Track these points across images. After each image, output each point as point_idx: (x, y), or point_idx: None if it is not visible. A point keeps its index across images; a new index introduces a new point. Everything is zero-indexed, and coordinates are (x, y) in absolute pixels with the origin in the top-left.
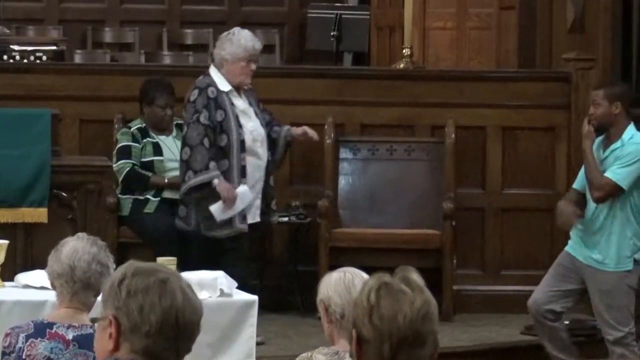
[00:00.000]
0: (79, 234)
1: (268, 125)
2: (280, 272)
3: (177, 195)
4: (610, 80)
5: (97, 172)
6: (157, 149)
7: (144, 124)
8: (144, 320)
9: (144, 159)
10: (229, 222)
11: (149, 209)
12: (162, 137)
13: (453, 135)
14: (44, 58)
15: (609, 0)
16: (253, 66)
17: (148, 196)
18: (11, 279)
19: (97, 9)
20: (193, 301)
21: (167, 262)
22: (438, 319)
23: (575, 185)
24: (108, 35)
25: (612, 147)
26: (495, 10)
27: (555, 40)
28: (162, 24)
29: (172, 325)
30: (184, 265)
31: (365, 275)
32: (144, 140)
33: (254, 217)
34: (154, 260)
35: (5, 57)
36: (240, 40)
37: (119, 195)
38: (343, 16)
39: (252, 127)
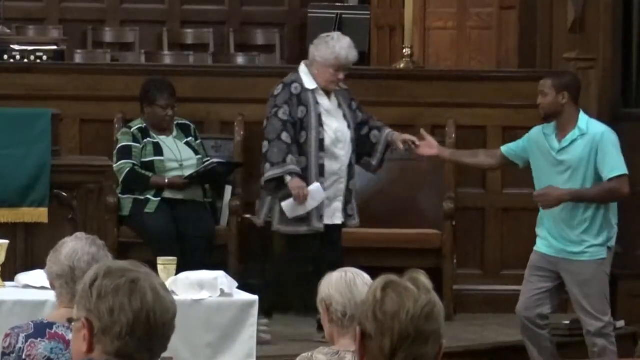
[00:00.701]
0: (78, 233)
1: (362, 126)
2: (280, 272)
3: (177, 196)
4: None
5: (97, 172)
6: (158, 149)
7: (144, 124)
8: (115, 321)
9: (144, 159)
10: (306, 219)
11: (150, 209)
12: (163, 137)
13: (453, 135)
14: (45, 58)
15: (609, 0)
16: (341, 75)
17: (148, 196)
18: (11, 279)
19: (98, 9)
20: (165, 300)
21: (168, 262)
22: (444, 321)
23: (503, 149)
24: (108, 35)
25: (571, 136)
26: (496, 10)
27: (555, 40)
28: (163, 24)
29: (143, 325)
30: (184, 265)
31: (366, 276)
32: (145, 141)
33: (331, 219)
34: (155, 260)
35: (5, 56)
36: (335, 47)
37: (120, 195)
38: (343, 16)
39: (336, 127)
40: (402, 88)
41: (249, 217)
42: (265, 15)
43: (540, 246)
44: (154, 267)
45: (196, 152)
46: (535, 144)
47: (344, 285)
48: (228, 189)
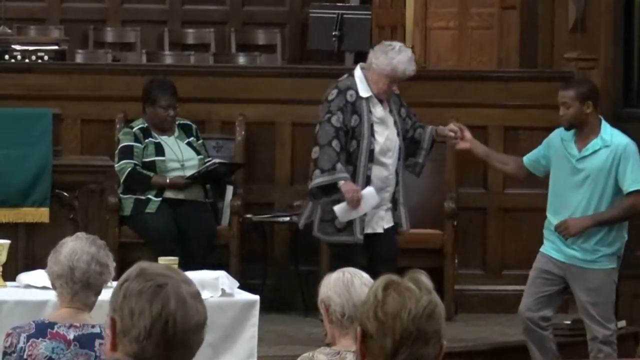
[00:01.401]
0: (78, 233)
1: (410, 130)
2: (281, 272)
3: (178, 196)
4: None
5: (98, 172)
6: (159, 149)
7: (146, 124)
8: (134, 324)
9: (145, 159)
10: (348, 229)
11: (151, 208)
12: (164, 137)
13: None
14: (46, 58)
15: (610, 0)
16: (395, 88)
17: (149, 196)
18: (13, 279)
19: (99, 9)
20: (190, 309)
21: (169, 262)
22: (444, 321)
23: (525, 160)
24: (109, 35)
25: (593, 145)
26: (497, 10)
27: (556, 40)
28: (164, 24)
29: (161, 332)
30: (185, 265)
31: (364, 275)
32: (146, 141)
33: (374, 227)
34: (156, 260)
35: (7, 56)
36: (394, 59)
37: (121, 195)
38: (344, 16)
39: (386, 135)
40: (402, 88)
41: (249, 216)
42: (266, 15)
43: (549, 249)
44: None
45: (198, 153)
46: (555, 149)
47: (342, 285)
48: (229, 189)
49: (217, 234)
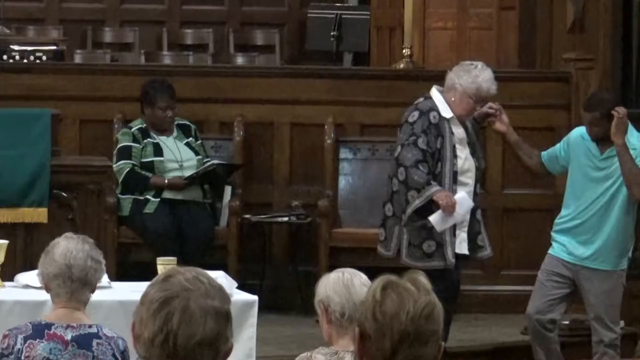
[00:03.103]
0: (67, 234)
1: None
2: (280, 272)
3: (177, 196)
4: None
5: (97, 172)
6: (158, 150)
7: (144, 125)
8: (142, 332)
9: (144, 160)
10: (439, 252)
11: (149, 209)
12: (163, 138)
13: None
14: (44, 58)
15: (609, 0)
16: (478, 107)
17: (148, 196)
18: (11, 279)
19: (97, 9)
20: (195, 326)
21: (167, 262)
22: (443, 322)
23: (543, 156)
24: (108, 35)
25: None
26: (495, 10)
27: (555, 41)
28: (162, 24)
29: (160, 345)
30: (184, 266)
31: (363, 276)
32: (145, 141)
33: (460, 249)
34: (155, 260)
35: (5, 57)
36: (479, 78)
37: (119, 196)
38: (343, 16)
39: (465, 156)
40: (401, 88)
41: (248, 217)
42: (264, 16)
43: (558, 251)
44: (153, 267)
45: (196, 153)
46: (575, 147)
47: (341, 285)
48: (228, 190)
49: (216, 234)
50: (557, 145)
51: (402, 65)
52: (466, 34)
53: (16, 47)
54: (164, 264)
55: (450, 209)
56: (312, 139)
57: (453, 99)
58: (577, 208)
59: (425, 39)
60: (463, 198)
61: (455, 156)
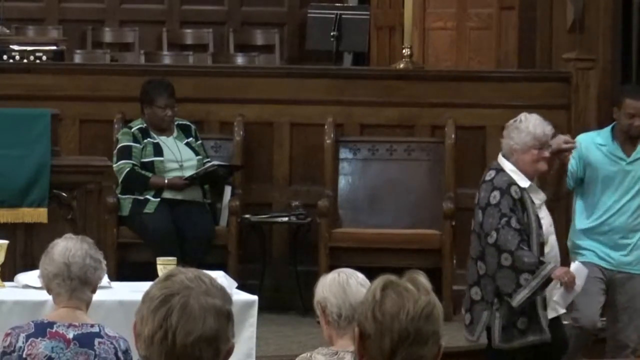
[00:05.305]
0: (66, 234)
1: None
2: (280, 272)
3: (177, 196)
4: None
5: (96, 172)
6: (158, 150)
7: (144, 124)
8: (142, 330)
9: (144, 159)
10: (533, 327)
11: (149, 209)
12: (163, 138)
13: (453, 136)
14: (44, 58)
15: (609, 0)
16: (546, 153)
17: (148, 196)
18: (11, 279)
19: (97, 9)
20: (195, 323)
21: (167, 262)
22: (443, 322)
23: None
24: (108, 35)
25: None
26: (495, 10)
27: (555, 41)
28: (162, 24)
29: (160, 342)
30: (183, 266)
31: (360, 275)
32: (145, 141)
33: (556, 310)
34: (154, 260)
35: (5, 57)
36: (529, 127)
37: (119, 196)
38: (343, 16)
39: (548, 222)
40: (401, 88)
41: (248, 217)
42: (264, 16)
43: (592, 258)
44: (153, 267)
45: (196, 153)
46: (592, 155)
47: (337, 286)
48: (227, 190)
49: (216, 235)
50: (570, 163)
51: (402, 65)
52: (466, 33)
53: (16, 47)
54: (164, 264)
55: (572, 284)
56: (312, 139)
57: (520, 161)
58: (605, 214)
59: (425, 39)
60: (579, 268)
61: (540, 227)
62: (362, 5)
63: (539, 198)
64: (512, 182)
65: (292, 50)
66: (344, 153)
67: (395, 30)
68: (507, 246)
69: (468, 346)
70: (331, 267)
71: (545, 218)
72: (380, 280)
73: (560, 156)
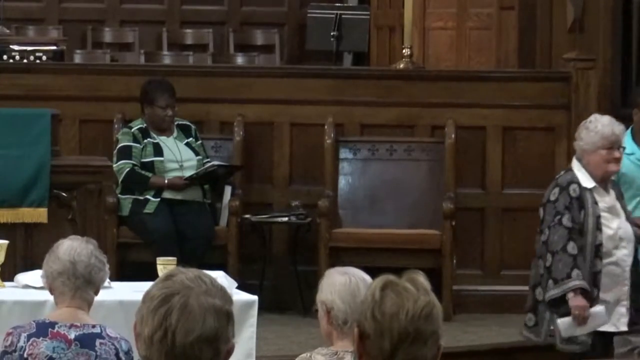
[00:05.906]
0: (71, 236)
1: None
2: (280, 272)
3: (177, 196)
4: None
5: (96, 172)
6: (158, 150)
7: (144, 124)
8: (142, 329)
9: (144, 159)
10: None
11: (149, 209)
12: (163, 138)
13: (453, 135)
14: (44, 58)
15: (609, 0)
16: (617, 153)
17: (148, 196)
18: (11, 279)
19: (97, 9)
20: (194, 323)
21: (167, 262)
22: (442, 322)
23: None
24: (108, 35)
25: None
26: (495, 10)
27: (555, 40)
28: (162, 24)
29: (160, 341)
30: (183, 266)
31: (368, 279)
32: (145, 141)
33: (615, 325)
34: (155, 260)
35: (5, 57)
36: (597, 127)
37: (119, 196)
38: (343, 16)
39: (616, 226)
40: (401, 88)
41: (248, 217)
42: (264, 16)
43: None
44: (153, 267)
45: (196, 153)
46: (632, 174)
47: (348, 292)
48: (228, 190)
49: (216, 235)
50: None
51: (402, 65)
52: (466, 33)
53: (16, 47)
54: (164, 264)
55: (581, 322)
56: (312, 139)
57: (588, 163)
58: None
59: (425, 39)
60: (599, 313)
61: (599, 228)
62: (362, 5)
63: (605, 201)
64: (574, 181)
65: (292, 50)
66: (344, 153)
67: (395, 30)
68: (552, 247)
69: (468, 346)
70: (331, 267)
71: (617, 228)
72: (379, 280)
73: None
